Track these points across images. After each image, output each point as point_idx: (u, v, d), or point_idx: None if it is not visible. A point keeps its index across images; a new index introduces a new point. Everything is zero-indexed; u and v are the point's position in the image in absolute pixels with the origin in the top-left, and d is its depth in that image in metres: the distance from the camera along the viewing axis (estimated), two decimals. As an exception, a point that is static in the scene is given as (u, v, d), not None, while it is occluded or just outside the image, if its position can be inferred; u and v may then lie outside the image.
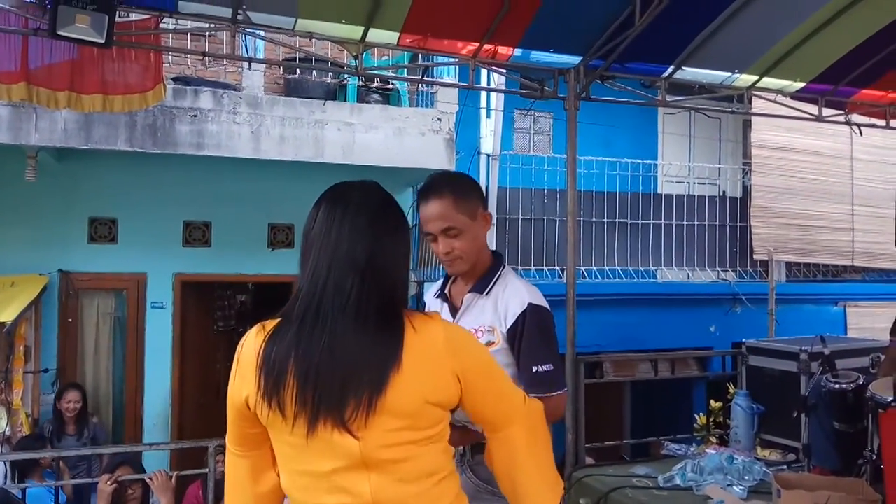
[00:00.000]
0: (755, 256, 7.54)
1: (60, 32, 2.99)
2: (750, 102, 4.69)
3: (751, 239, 7.56)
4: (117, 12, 3.18)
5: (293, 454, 1.32)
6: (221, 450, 3.27)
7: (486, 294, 2.03)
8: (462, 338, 1.41)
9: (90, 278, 5.99)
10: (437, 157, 5.83)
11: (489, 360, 1.45)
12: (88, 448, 4.91)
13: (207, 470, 3.43)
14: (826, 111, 4.62)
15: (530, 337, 1.95)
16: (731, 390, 4.99)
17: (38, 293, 5.51)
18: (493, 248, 2.17)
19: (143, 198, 6.06)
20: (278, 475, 1.43)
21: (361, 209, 1.36)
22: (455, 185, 1.99)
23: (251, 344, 1.34)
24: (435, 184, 1.98)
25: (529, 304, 1.97)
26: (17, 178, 5.33)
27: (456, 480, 1.40)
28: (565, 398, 2.03)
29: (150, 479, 3.72)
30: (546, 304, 2.03)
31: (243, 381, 1.33)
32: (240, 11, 3.36)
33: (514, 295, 2.00)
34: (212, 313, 7.37)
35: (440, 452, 1.36)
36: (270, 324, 1.34)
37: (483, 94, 6.70)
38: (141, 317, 6.13)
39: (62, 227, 5.92)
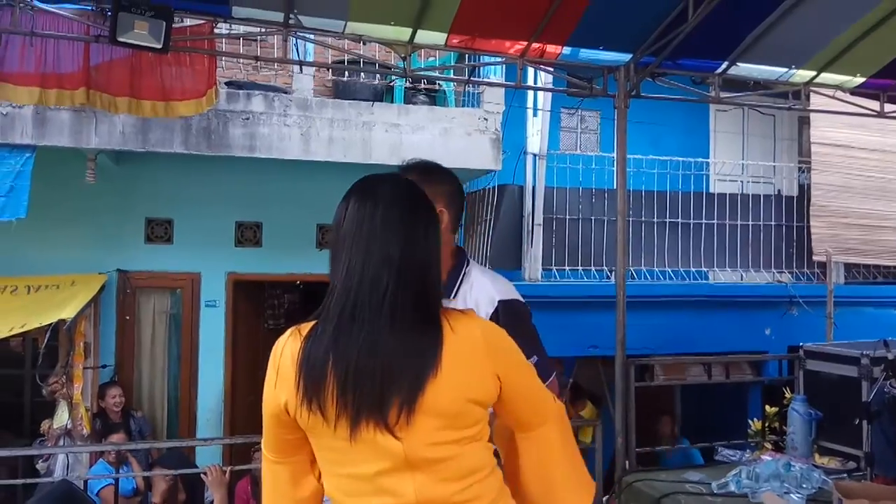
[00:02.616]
0: (814, 257, 7.30)
1: (120, 39, 3.08)
2: (807, 99, 4.55)
3: (809, 239, 7.32)
4: (173, 18, 3.26)
5: (336, 457, 1.31)
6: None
7: (454, 297, 1.91)
8: (499, 337, 1.39)
9: (147, 277, 6.16)
10: (483, 157, 5.82)
11: (523, 358, 1.43)
12: (146, 442, 5.06)
13: (259, 465, 3.49)
14: (889, 107, 4.45)
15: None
16: (788, 395, 4.85)
17: (98, 291, 5.69)
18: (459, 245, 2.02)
19: (198, 199, 6.21)
20: (317, 479, 1.42)
21: (393, 204, 1.33)
22: (423, 171, 1.84)
23: (288, 349, 1.32)
24: (420, 166, 1.86)
25: (500, 302, 1.88)
26: (78, 181, 5.52)
27: (498, 476, 1.38)
28: (556, 385, 1.92)
29: (205, 473, 3.81)
30: (517, 296, 1.93)
31: (282, 386, 1.31)
32: (291, 16, 3.42)
33: (481, 294, 1.90)
34: (262, 312, 7.51)
35: (482, 450, 1.35)
36: (305, 327, 1.33)
37: (530, 94, 6.66)
38: (195, 315, 6.28)
39: (120, 228, 6.11)
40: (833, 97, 4.47)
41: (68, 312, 5.07)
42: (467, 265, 1.97)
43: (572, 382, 6.60)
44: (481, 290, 1.92)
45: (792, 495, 2.91)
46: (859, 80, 4.22)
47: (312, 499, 1.44)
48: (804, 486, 2.99)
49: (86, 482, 3.69)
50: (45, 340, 5.02)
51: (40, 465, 5.08)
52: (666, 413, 5.90)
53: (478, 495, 1.32)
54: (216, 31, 4.10)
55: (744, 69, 4.06)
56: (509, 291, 1.94)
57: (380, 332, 1.26)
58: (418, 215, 1.36)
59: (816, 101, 4.93)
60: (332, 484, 1.34)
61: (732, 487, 3.08)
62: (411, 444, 1.25)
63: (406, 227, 1.32)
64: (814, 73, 4.13)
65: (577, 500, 1.48)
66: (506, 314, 1.86)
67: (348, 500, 1.32)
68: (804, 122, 8.08)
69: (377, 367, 1.25)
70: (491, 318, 1.83)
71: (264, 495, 1.49)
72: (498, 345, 1.36)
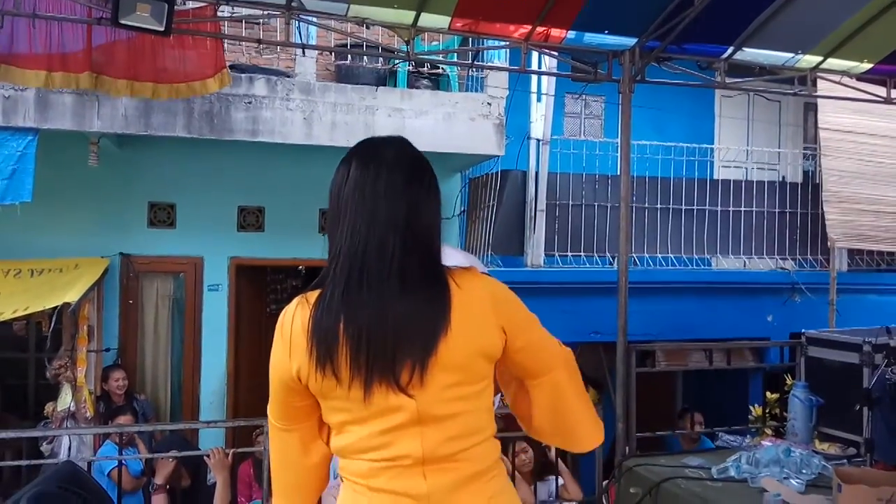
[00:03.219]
0: (829, 244, 7.24)
1: (123, 21, 3.07)
2: (814, 84, 4.52)
3: (821, 226, 7.25)
4: (176, 0, 3.25)
5: (348, 417, 1.32)
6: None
7: None
8: (503, 291, 1.41)
9: (150, 261, 6.18)
10: (486, 142, 5.80)
11: (528, 311, 1.45)
12: (150, 424, 5.09)
13: (262, 448, 3.52)
14: (895, 93, 4.42)
15: None
16: (789, 382, 4.86)
17: (101, 275, 5.70)
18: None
19: (200, 183, 6.21)
20: (326, 444, 1.44)
21: (396, 167, 1.34)
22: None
23: (298, 316, 1.33)
24: (396, 139, 1.95)
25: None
26: (81, 164, 5.52)
27: (497, 446, 1.41)
28: None
29: (208, 456, 3.83)
30: (486, 271, 2.00)
31: (294, 354, 1.32)
32: (293, -2, 3.40)
33: (451, 262, 1.96)
34: (265, 296, 7.53)
35: (485, 411, 1.38)
36: (312, 295, 1.33)
37: (534, 78, 6.62)
38: (198, 299, 6.30)
39: (123, 212, 6.11)
40: (839, 83, 4.44)
41: (72, 296, 5.08)
42: None
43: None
44: (451, 258, 1.96)
45: (791, 480, 2.92)
46: (866, 65, 4.19)
47: (322, 464, 1.47)
48: (804, 471, 3.00)
49: (90, 463, 3.71)
50: (52, 324, 5.04)
51: (44, 448, 5.12)
52: (688, 410, 5.90)
53: (480, 456, 1.35)
54: (219, 13, 4.08)
55: (749, 54, 4.03)
56: (479, 265, 1.99)
57: (389, 296, 1.28)
58: (422, 177, 1.38)
59: (823, 86, 4.90)
60: (342, 441, 1.36)
61: (732, 472, 3.09)
62: (424, 401, 1.28)
63: (410, 190, 1.34)
64: (820, 58, 4.10)
65: (591, 435, 1.53)
66: None
67: (356, 456, 1.34)
68: (809, 109, 8.03)
69: (389, 329, 1.27)
70: None
71: (273, 463, 1.50)
72: (502, 298, 1.39)
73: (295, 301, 1.36)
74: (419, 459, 1.30)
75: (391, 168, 1.34)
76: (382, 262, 1.29)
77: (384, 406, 1.28)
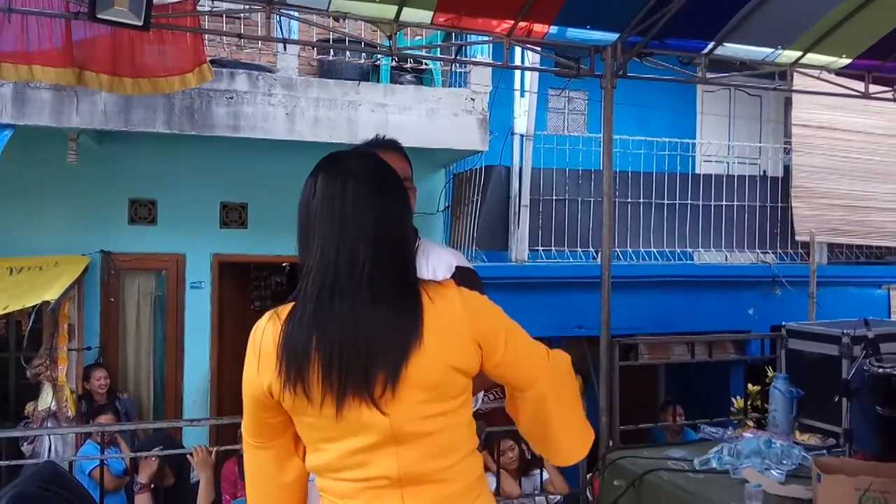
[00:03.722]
0: (797, 238, 7.37)
1: (100, 16, 3.03)
2: (793, 80, 4.56)
3: (792, 220, 7.38)
4: (154, -5, 3.20)
5: (321, 435, 1.31)
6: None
7: None
8: (479, 303, 1.38)
9: (131, 259, 6.12)
10: (470, 137, 5.80)
11: (508, 324, 1.42)
12: (132, 423, 5.05)
13: (245, 446, 3.49)
14: (873, 87, 4.47)
15: None
16: (770, 374, 4.91)
17: (81, 273, 5.64)
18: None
19: (182, 180, 6.15)
20: (302, 460, 1.41)
21: (362, 179, 1.32)
22: (398, 147, 2.00)
23: (269, 332, 1.31)
24: (391, 141, 1.99)
25: (457, 268, 1.94)
26: (60, 161, 5.45)
27: (479, 461, 1.39)
28: None
29: (191, 454, 3.81)
30: (471, 266, 2.00)
31: (264, 370, 1.30)
32: (274, -8, 3.37)
33: (439, 261, 1.96)
34: (248, 293, 7.49)
35: (464, 426, 1.35)
36: (284, 309, 1.31)
37: (517, 74, 6.63)
38: (180, 296, 6.25)
39: (103, 209, 6.04)
40: (818, 78, 4.48)
41: (52, 294, 5.03)
42: (420, 240, 2.01)
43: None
44: (438, 257, 1.98)
45: (772, 471, 2.95)
46: (845, 60, 4.23)
47: (297, 481, 1.44)
48: (784, 462, 3.03)
49: (71, 463, 3.68)
50: (30, 323, 4.98)
51: (25, 448, 5.06)
52: (670, 402, 5.95)
53: (460, 474, 1.33)
54: (199, 7, 4.04)
55: (730, 49, 4.05)
56: (465, 261, 1.99)
57: (361, 309, 1.26)
58: (389, 188, 1.36)
59: (800, 81, 4.94)
60: (316, 460, 1.34)
61: (714, 464, 3.12)
62: (397, 419, 1.26)
63: (378, 201, 1.32)
64: (800, 53, 4.13)
65: (574, 447, 1.53)
66: (462, 279, 1.89)
67: (331, 475, 1.32)
68: (790, 104, 8.11)
69: (361, 343, 1.25)
70: None
71: (248, 482, 1.47)
72: (477, 311, 1.36)
73: (266, 315, 1.35)
74: (396, 480, 1.28)
75: (357, 180, 1.32)
76: (353, 274, 1.27)
77: (356, 424, 1.26)
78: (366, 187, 1.32)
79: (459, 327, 1.31)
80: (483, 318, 1.36)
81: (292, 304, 1.31)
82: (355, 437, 1.27)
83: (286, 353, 1.27)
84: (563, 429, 1.49)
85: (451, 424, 1.32)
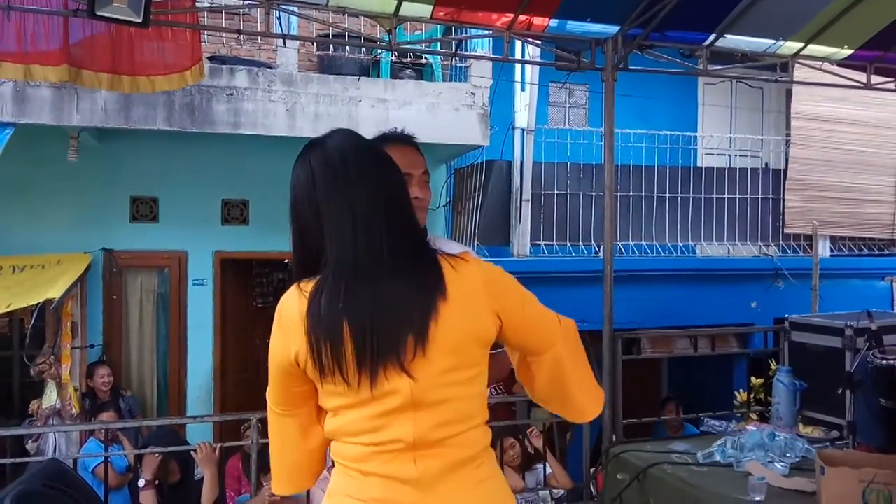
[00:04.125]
0: (786, 230, 7.37)
1: (99, 13, 3.02)
2: (794, 71, 4.55)
3: (783, 212, 7.38)
4: (153, -9, 3.20)
5: (344, 402, 1.33)
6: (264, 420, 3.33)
7: None
8: (497, 275, 1.44)
9: (133, 256, 6.12)
10: (471, 131, 5.79)
11: (523, 292, 1.47)
12: (136, 420, 5.06)
13: (250, 442, 3.50)
14: (875, 79, 4.45)
15: None
16: (773, 367, 4.90)
17: (84, 271, 5.65)
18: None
19: (183, 177, 6.15)
20: (323, 428, 1.44)
21: (355, 155, 1.37)
22: (412, 141, 2.01)
23: (294, 304, 1.34)
24: (405, 135, 2.01)
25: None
26: (61, 159, 5.45)
27: (488, 433, 1.42)
28: None
29: (195, 451, 3.81)
30: (482, 260, 2.02)
31: (291, 340, 1.33)
32: (273, -12, 3.36)
33: (451, 250, 2.00)
34: (250, 290, 7.49)
35: (478, 397, 1.40)
36: (308, 285, 1.34)
37: (518, 68, 6.61)
38: (183, 293, 6.25)
39: (105, 206, 6.04)
40: (820, 69, 4.46)
41: (55, 292, 5.03)
42: (428, 235, 2.03)
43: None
44: (450, 249, 1.97)
45: (776, 464, 2.95)
46: (846, 51, 4.21)
47: (320, 448, 1.48)
48: (788, 454, 3.03)
49: (75, 461, 3.68)
50: (32, 321, 4.99)
51: (30, 446, 5.08)
52: (670, 399, 5.95)
53: (470, 442, 1.36)
54: (198, 3, 4.03)
55: (731, 41, 4.03)
56: (475, 255, 2.00)
57: (387, 280, 1.30)
58: (381, 161, 1.42)
59: (802, 73, 4.92)
60: (335, 424, 1.37)
61: (717, 457, 3.11)
62: (421, 385, 1.30)
63: (380, 172, 1.38)
64: (801, 44, 4.11)
65: (592, 404, 1.58)
66: None
67: (348, 439, 1.35)
68: (791, 96, 8.09)
69: (390, 314, 1.29)
70: None
71: (273, 449, 1.51)
72: (497, 283, 1.41)
73: (291, 289, 1.38)
74: (410, 444, 1.31)
75: (355, 156, 1.37)
76: (372, 247, 1.31)
77: (382, 390, 1.30)
78: (366, 161, 1.37)
79: (479, 297, 1.36)
80: (501, 287, 1.42)
81: (317, 279, 1.34)
82: (379, 402, 1.31)
83: (315, 329, 1.29)
84: (581, 387, 1.56)
85: (466, 394, 1.36)
